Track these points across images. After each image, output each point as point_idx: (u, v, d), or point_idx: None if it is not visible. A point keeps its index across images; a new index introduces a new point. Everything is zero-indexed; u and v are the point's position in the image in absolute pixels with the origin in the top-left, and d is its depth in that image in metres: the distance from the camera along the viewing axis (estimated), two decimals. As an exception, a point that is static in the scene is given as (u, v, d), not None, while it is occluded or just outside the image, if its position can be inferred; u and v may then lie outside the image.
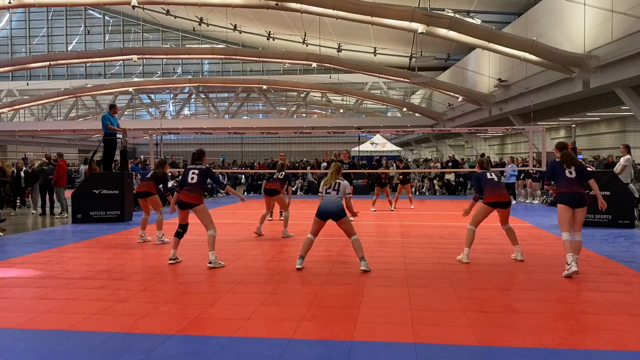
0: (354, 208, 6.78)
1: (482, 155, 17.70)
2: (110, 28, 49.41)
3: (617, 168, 11.15)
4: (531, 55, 17.28)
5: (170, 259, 6.90)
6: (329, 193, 6.51)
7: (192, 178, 6.82)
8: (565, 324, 4.29)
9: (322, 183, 6.74)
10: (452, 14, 18.05)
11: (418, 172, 21.66)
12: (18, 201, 15.65)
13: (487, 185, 7.06)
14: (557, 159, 6.47)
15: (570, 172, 6.24)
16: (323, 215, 6.45)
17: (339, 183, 6.52)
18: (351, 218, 6.80)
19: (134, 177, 13.99)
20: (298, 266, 6.47)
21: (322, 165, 21.50)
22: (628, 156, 11.11)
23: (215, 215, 13.70)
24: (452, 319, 4.41)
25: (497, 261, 7.01)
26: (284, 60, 32.40)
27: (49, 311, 4.72)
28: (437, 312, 4.62)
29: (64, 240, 9.07)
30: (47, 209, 13.87)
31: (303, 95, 42.41)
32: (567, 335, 4.03)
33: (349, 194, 6.58)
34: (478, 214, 7.06)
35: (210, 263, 6.63)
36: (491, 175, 7.23)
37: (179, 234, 6.99)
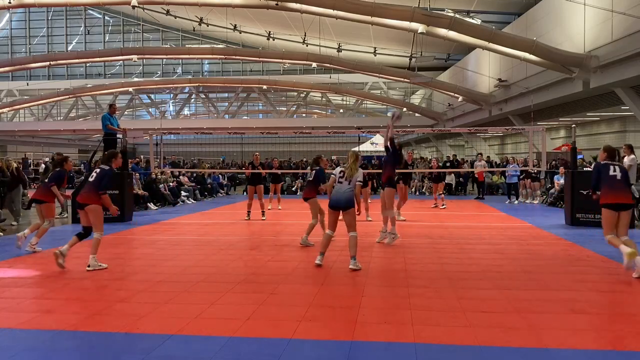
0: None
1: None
2: (110, 28, 49.39)
3: None
4: (531, 55, 17.28)
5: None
6: (341, 182, 6.55)
7: (92, 177, 6.71)
8: (565, 324, 4.29)
9: (338, 170, 6.74)
10: (452, 14, 18.05)
11: (418, 171, 21.66)
12: None
13: None
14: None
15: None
16: (334, 205, 6.54)
17: (353, 174, 6.59)
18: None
19: (133, 176, 13.98)
20: (317, 262, 6.53)
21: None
22: (633, 156, 11.08)
23: (216, 215, 13.76)
24: (452, 319, 4.41)
25: (497, 261, 7.00)
26: (284, 60, 32.38)
27: (49, 311, 4.72)
28: (437, 312, 4.62)
29: (64, 240, 9.02)
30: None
31: (303, 95, 42.39)
32: (567, 335, 4.03)
33: (360, 181, 6.61)
34: None
35: (89, 267, 6.39)
36: None
37: (81, 235, 6.68)
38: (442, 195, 15.46)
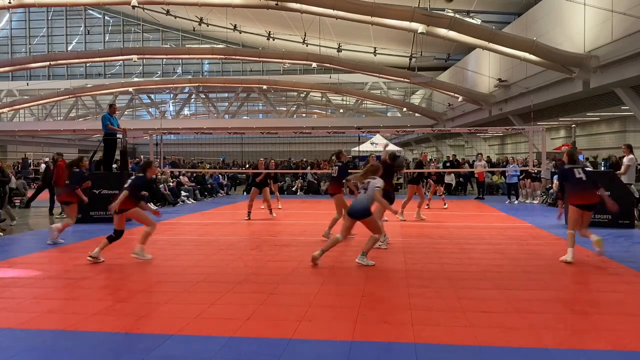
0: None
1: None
2: (110, 28, 49.39)
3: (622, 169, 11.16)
4: (531, 55, 17.29)
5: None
6: (361, 193, 6.72)
7: (127, 183, 7.05)
8: (565, 324, 4.29)
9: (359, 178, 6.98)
10: (452, 14, 18.06)
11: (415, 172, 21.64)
12: None
13: None
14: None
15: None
16: (351, 214, 6.66)
17: (369, 182, 6.69)
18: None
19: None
20: (315, 254, 6.60)
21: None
22: (631, 156, 11.10)
23: (216, 215, 13.75)
24: (452, 319, 4.41)
25: (497, 261, 7.00)
26: (284, 60, 32.40)
27: (49, 311, 4.72)
28: (437, 312, 4.62)
29: (64, 240, 9.07)
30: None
31: (303, 95, 42.40)
32: (567, 335, 4.03)
33: (378, 187, 6.65)
34: None
35: (134, 253, 7.00)
36: None
37: (111, 238, 7.05)
38: (443, 195, 15.45)
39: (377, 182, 6.64)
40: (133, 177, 7.22)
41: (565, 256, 6.83)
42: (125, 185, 6.99)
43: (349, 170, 8.98)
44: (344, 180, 8.98)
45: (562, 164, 7.63)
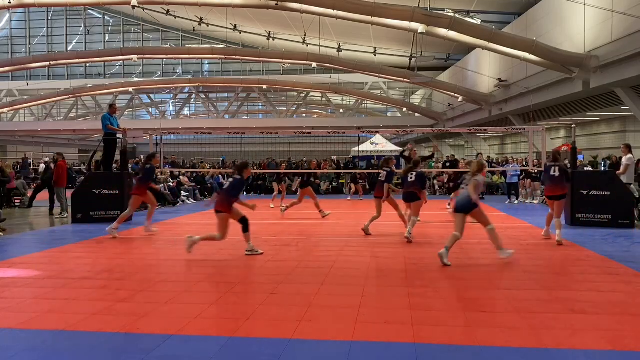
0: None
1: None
2: (110, 28, 49.39)
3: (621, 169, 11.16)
4: (531, 55, 17.29)
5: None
6: (464, 189, 7.06)
7: (225, 185, 7.50)
8: (565, 324, 4.29)
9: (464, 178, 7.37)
10: (452, 14, 18.06)
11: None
12: None
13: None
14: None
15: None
16: (459, 209, 6.99)
17: (472, 179, 7.01)
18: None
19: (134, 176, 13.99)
20: (441, 252, 6.71)
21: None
22: (630, 155, 11.10)
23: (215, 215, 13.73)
24: (452, 319, 4.41)
25: (497, 261, 7.00)
26: (284, 60, 32.41)
27: (49, 311, 4.72)
28: (437, 312, 4.62)
29: (64, 240, 9.07)
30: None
31: (303, 95, 42.40)
32: (567, 335, 4.03)
33: (479, 182, 7.10)
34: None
35: (247, 251, 7.37)
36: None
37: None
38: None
39: (480, 179, 7.09)
40: (231, 179, 7.49)
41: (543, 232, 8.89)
42: (225, 187, 7.40)
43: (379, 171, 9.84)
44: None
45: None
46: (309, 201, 13.05)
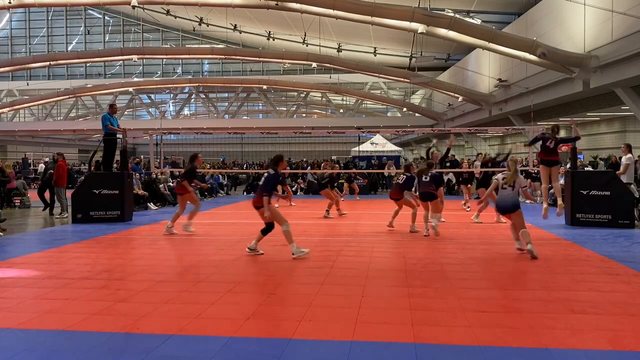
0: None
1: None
2: (110, 28, 49.41)
3: (621, 168, 11.18)
4: (531, 55, 17.28)
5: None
6: (505, 189, 7.39)
7: (262, 181, 7.34)
8: (565, 324, 4.29)
9: (501, 176, 7.63)
10: (452, 14, 18.05)
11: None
12: None
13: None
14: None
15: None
16: (501, 209, 7.48)
17: (515, 180, 7.38)
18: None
19: (134, 177, 13.99)
20: (517, 246, 7.44)
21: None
22: (629, 155, 11.11)
23: (216, 215, 13.75)
24: (452, 319, 4.40)
25: (497, 261, 7.00)
26: (284, 60, 32.39)
27: (49, 311, 4.72)
28: (437, 312, 4.62)
29: (64, 240, 9.07)
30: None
31: (303, 95, 42.41)
32: (567, 335, 4.03)
33: (525, 186, 7.68)
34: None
35: (293, 254, 7.16)
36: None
37: (264, 231, 7.40)
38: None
39: (522, 181, 7.49)
40: (266, 174, 7.30)
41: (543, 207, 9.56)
42: (260, 183, 7.29)
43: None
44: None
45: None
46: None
